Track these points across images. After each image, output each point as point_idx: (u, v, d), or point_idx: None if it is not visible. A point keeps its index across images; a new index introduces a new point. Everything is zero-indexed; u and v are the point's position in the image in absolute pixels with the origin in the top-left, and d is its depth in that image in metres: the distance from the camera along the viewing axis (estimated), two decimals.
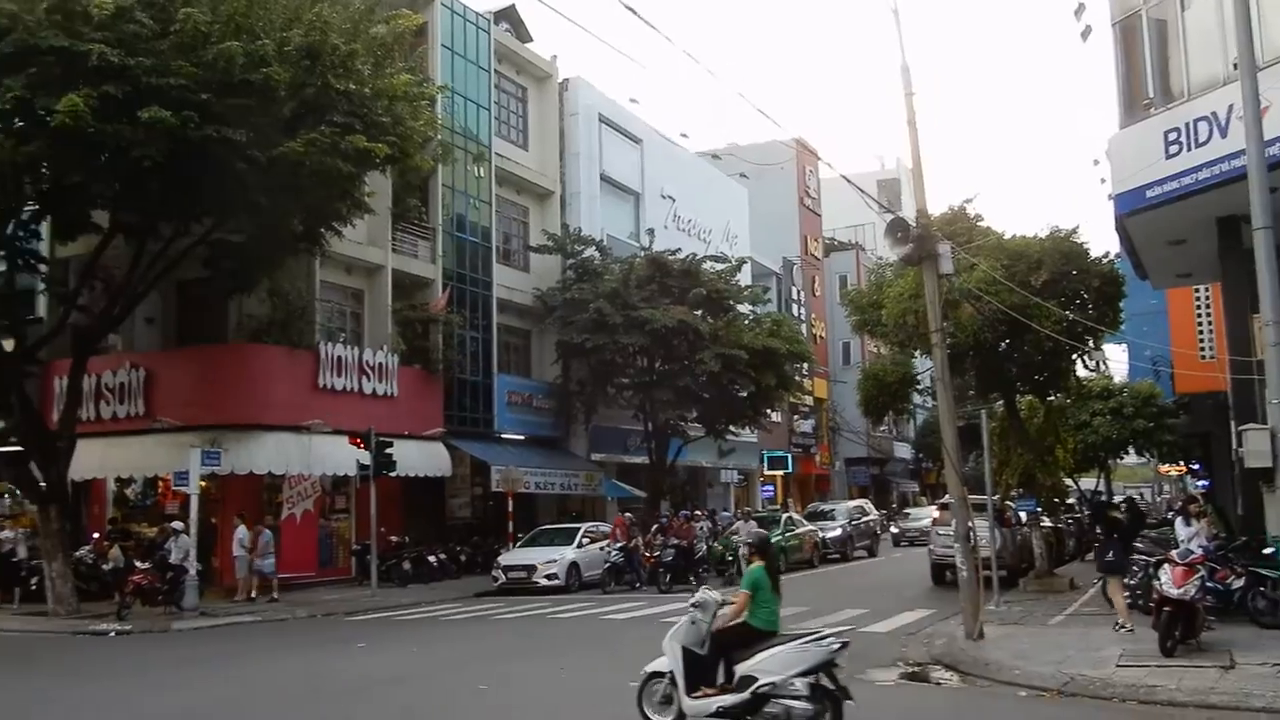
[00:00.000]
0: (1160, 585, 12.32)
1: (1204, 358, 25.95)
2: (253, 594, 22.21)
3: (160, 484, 25.16)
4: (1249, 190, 12.30)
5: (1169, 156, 15.57)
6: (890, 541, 41.06)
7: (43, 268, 23.45)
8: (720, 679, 9.00)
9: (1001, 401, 24.44)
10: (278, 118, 18.26)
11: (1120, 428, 34.83)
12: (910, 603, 20.40)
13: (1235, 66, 13.49)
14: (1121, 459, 45.19)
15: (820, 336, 54.56)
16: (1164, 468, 54.45)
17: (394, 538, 26.37)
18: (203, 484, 21.54)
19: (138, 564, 21.00)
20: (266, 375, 23.92)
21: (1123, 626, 14.22)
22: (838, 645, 8.62)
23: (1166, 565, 12.59)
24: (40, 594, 20.84)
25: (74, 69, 16.52)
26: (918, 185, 15.72)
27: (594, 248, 32.83)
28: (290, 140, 18.09)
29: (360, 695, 11.61)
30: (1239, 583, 14.43)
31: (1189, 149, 15.30)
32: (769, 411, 36.97)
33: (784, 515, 32.55)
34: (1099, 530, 19.81)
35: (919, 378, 26.47)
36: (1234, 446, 14.40)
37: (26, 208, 20.96)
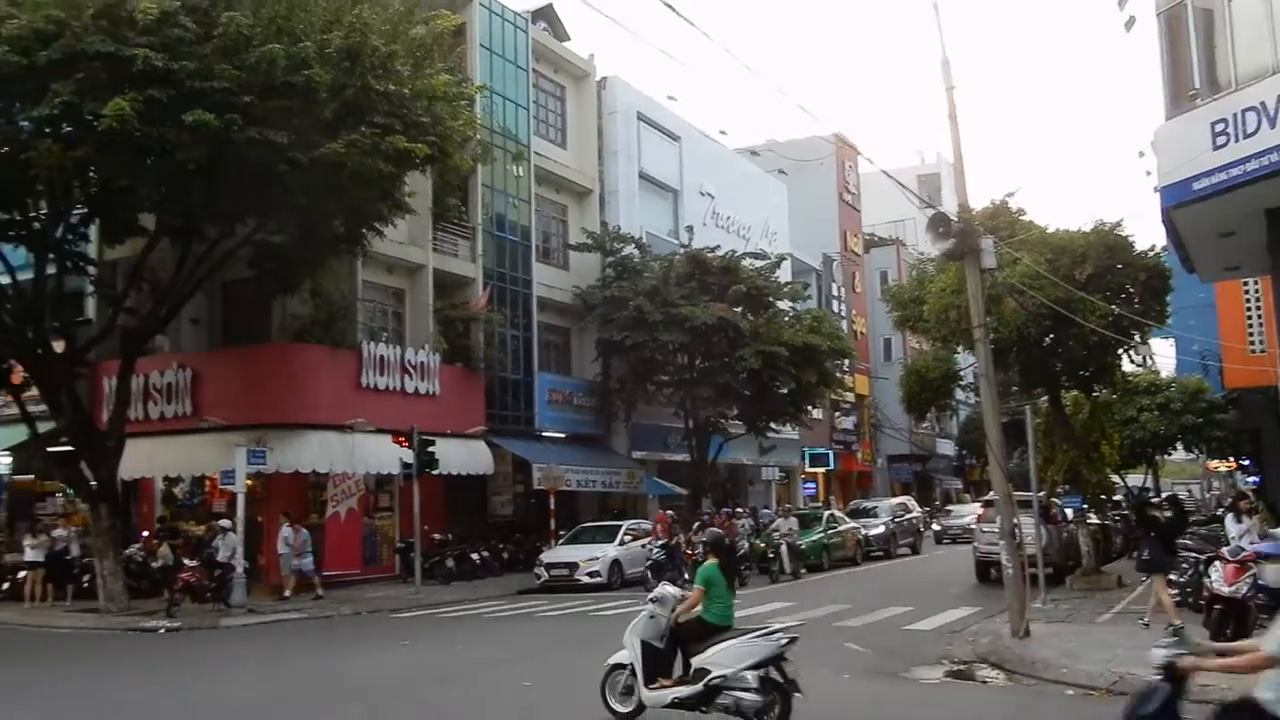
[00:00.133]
0: (1211, 583, 12.16)
1: (1254, 352, 25.58)
2: (286, 593, 22.37)
3: (207, 483, 25.44)
4: None
5: (1216, 148, 15.30)
6: (932, 539, 40.76)
7: (91, 270, 23.86)
8: (679, 671, 9.43)
9: (1046, 397, 24.20)
10: (319, 119, 18.41)
11: (1168, 423, 34.40)
12: (955, 600, 20.24)
13: None
14: (1169, 455, 44.68)
15: (861, 333, 54.25)
16: (1213, 464, 53.66)
17: (437, 535, 26.54)
18: (249, 483, 21.74)
19: (186, 562, 21.30)
20: (310, 375, 24.15)
21: (1147, 624, 14.01)
22: (786, 640, 8.94)
23: (1217, 563, 12.42)
24: (92, 591, 21.24)
25: (120, 74, 16.75)
26: (959, 179, 15.59)
27: (633, 245, 32.87)
28: (331, 141, 18.24)
29: (406, 692, 11.69)
30: None
31: (1237, 140, 15.02)
32: (810, 408, 36.84)
33: (826, 512, 32.46)
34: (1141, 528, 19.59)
35: (961, 374, 26.26)
36: None
37: (75, 211, 21.32)
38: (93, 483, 21.05)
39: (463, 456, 26.85)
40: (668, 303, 30.13)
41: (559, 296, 32.66)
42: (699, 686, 9.05)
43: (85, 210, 21.41)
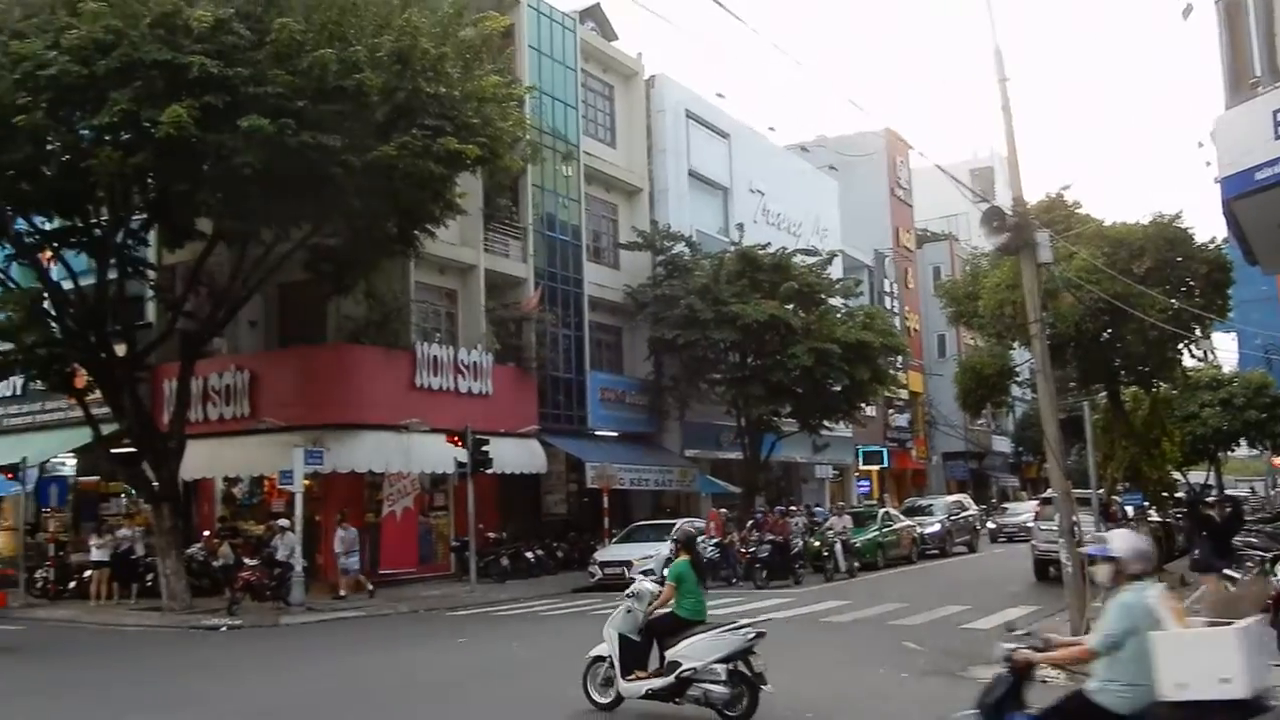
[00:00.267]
0: (1277, 581, 11.88)
1: None
2: (342, 592, 22.56)
3: (266, 483, 25.83)
4: None
5: (1278, 137, 14.99)
6: (988, 537, 40.27)
7: (151, 275, 24.28)
8: (657, 664, 9.93)
9: (1105, 393, 23.86)
10: (371, 122, 18.59)
11: (1231, 419, 33.75)
12: (1012, 599, 19.98)
13: None
14: (1232, 452, 43.82)
15: (914, 329, 53.75)
16: (1278, 460, 52.57)
17: (491, 534, 26.69)
18: (306, 482, 22.02)
19: (246, 561, 21.64)
20: (365, 375, 24.40)
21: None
22: (753, 635, 9.37)
23: None
24: (156, 590, 21.68)
25: (176, 81, 17.03)
26: (1013, 172, 15.39)
27: (683, 243, 32.84)
28: (383, 144, 18.42)
29: (468, 687, 11.79)
30: None
31: None
32: (863, 406, 36.54)
33: (881, 510, 32.22)
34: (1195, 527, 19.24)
35: (1017, 369, 25.96)
36: None
37: (135, 217, 21.73)
38: (155, 483, 21.47)
39: (516, 455, 26.99)
40: (719, 301, 30.06)
41: (610, 295, 32.72)
42: (671, 679, 9.50)
43: (144, 216, 21.82)
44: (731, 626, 9.65)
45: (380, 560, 24.75)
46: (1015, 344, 23.93)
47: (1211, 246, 20.95)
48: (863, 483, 48.78)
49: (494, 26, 22.41)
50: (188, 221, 21.57)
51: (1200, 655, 5.37)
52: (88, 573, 23.31)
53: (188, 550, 22.47)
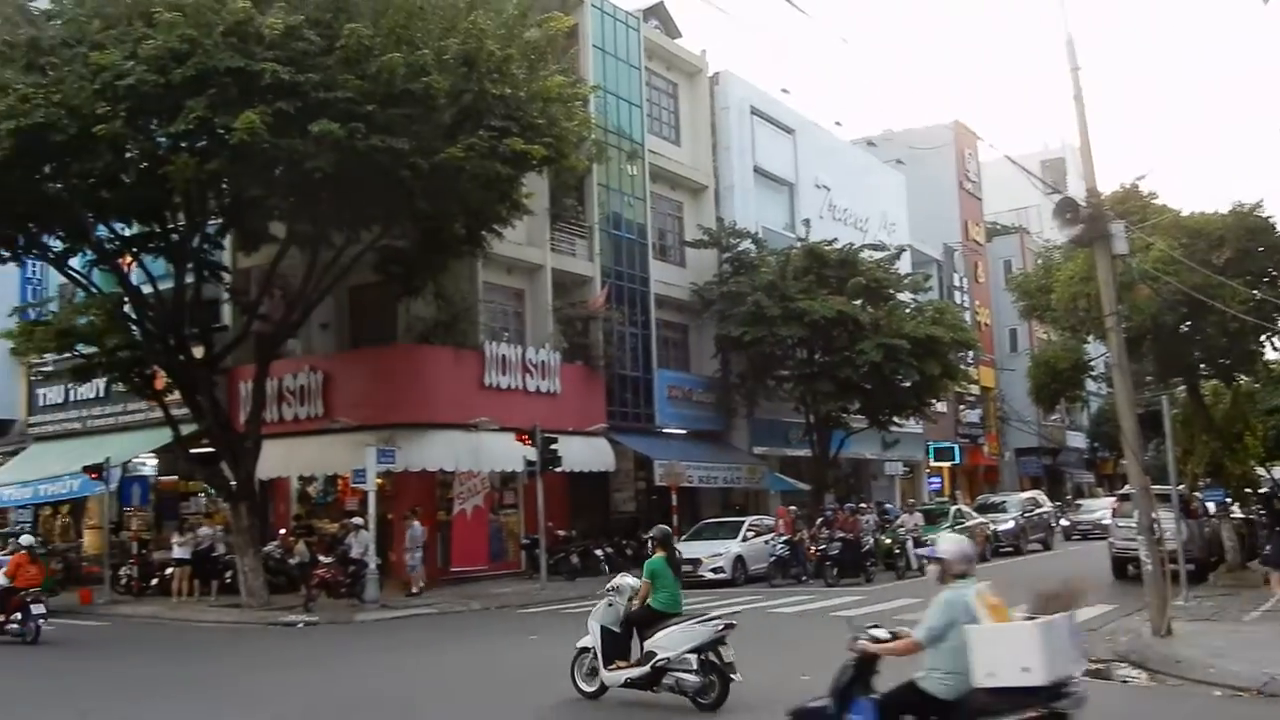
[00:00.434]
0: None
1: None
2: (414, 589, 22.76)
3: (339, 481, 26.19)
4: None
5: None
6: (1062, 535, 39.55)
7: (227, 278, 24.81)
8: (637, 654, 10.44)
9: (1184, 387, 23.31)
10: (438, 125, 18.74)
11: None
12: (1090, 597, 19.58)
13: None
14: None
15: (985, 323, 52.92)
16: None
17: (561, 532, 26.79)
18: (379, 481, 22.28)
19: (321, 559, 22.01)
20: (435, 375, 24.66)
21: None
22: (723, 626, 9.91)
23: None
24: (235, 587, 22.11)
25: (249, 88, 17.32)
26: (1086, 163, 15.09)
27: (749, 240, 32.72)
28: (450, 146, 18.56)
29: (538, 684, 11.84)
30: None
31: None
32: (933, 402, 36.08)
33: (953, 507, 31.81)
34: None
35: (1092, 364, 25.48)
36: None
37: (211, 222, 22.15)
38: (232, 482, 21.91)
39: (585, 454, 27.09)
40: (786, 297, 29.89)
41: (676, 293, 32.69)
42: (647, 668, 10.14)
43: (220, 221, 22.23)
44: (703, 619, 10.14)
45: (451, 558, 24.99)
46: (1090, 338, 23.49)
47: None
48: (934, 479, 48.19)
49: (558, 27, 22.49)
50: (261, 226, 22.01)
51: (1006, 647, 5.90)
52: (169, 570, 23.90)
53: (264, 548, 22.89)
